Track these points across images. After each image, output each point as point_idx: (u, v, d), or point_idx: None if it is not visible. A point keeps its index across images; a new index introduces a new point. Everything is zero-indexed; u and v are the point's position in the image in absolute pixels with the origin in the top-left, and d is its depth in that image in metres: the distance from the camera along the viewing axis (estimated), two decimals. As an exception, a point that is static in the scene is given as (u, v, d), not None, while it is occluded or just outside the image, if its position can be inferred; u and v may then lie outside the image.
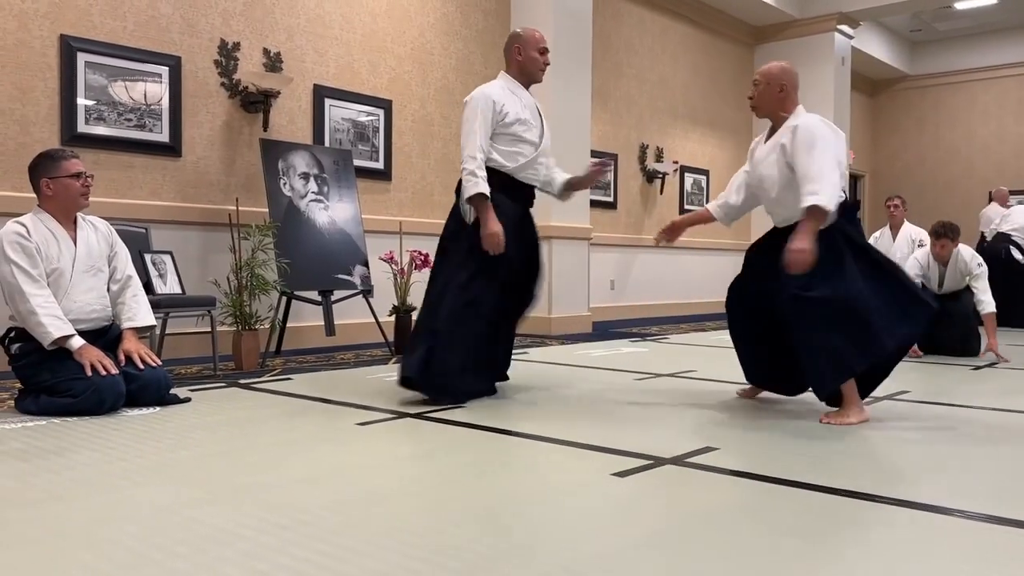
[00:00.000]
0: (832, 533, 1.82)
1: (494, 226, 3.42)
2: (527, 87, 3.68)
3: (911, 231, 6.71)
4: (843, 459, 2.54)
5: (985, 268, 5.45)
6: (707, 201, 9.42)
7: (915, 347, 5.38)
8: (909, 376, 4.51)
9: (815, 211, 3.03)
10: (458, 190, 3.58)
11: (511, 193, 3.60)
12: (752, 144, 3.62)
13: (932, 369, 4.83)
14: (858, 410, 3.13)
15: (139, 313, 3.43)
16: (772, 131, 3.44)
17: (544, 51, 3.64)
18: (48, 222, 3.26)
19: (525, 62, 3.62)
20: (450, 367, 3.38)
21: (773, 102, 3.35)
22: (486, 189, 3.42)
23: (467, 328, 3.42)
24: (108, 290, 3.42)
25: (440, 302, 3.45)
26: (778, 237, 3.31)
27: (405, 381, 3.46)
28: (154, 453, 2.52)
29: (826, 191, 3.03)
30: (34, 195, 3.39)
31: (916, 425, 3.11)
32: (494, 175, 3.51)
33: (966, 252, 5.47)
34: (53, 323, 3.12)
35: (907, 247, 6.66)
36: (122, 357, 3.29)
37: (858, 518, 1.93)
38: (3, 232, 3.18)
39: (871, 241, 6.95)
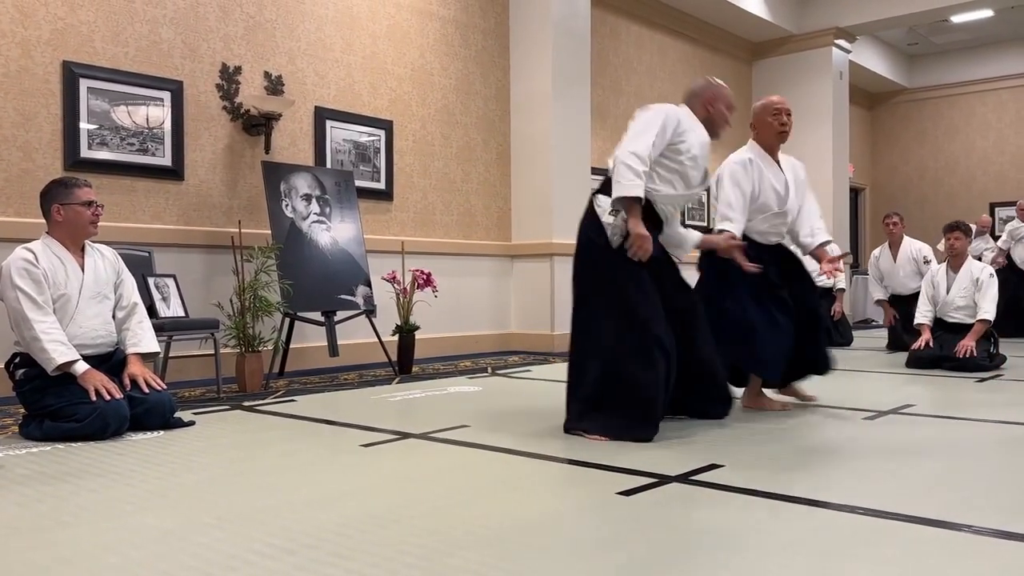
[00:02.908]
0: (840, 550, 1.81)
1: (642, 229, 3.09)
2: None
3: (911, 248, 6.71)
4: (848, 475, 2.53)
5: (995, 279, 5.52)
6: (709, 216, 9.44)
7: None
8: (914, 389, 4.50)
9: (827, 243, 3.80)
10: (589, 214, 3.28)
11: (649, 219, 3.25)
12: (746, 162, 3.77)
13: (937, 382, 4.81)
14: None
15: (144, 339, 3.45)
16: (773, 158, 3.82)
17: (733, 109, 3.48)
18: (56, 248, 3.29)
19: (715, 115, 3.42)
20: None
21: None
22: (642, 193, 3.08)
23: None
24: (114, 316, 3.44)
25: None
26: (775, 253, 3.80)
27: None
28: (159, 478, 2.52)
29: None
30: (38, 221, 3.42)
31: (922, 439, 3.10)
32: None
33: (977, 262, 5.67)
34: (57, 349, 3.12)
35: (909, 265, 6.66)
36: (127, 381, 3.31)
37: (865, 534, 1.92)
38: (11, 258, 3.20)
39: (871, 260, 6.98)
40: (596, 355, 3.19)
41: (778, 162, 3.81)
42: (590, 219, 3.28)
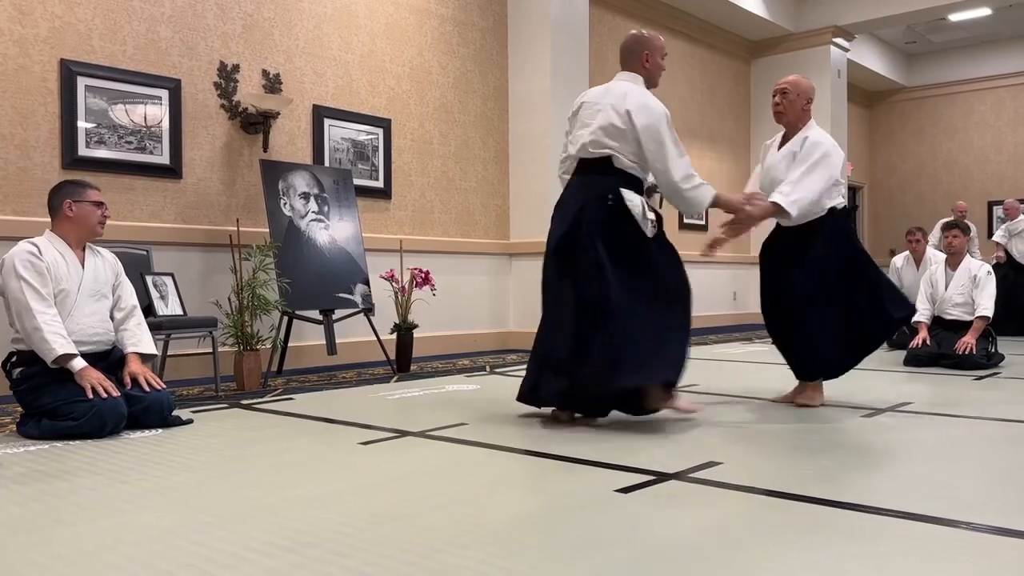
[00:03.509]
0: (838, 547, 1.81)
1: (741, 200, 3.55)
2: None
3: (933, 262, 6.69)
4: (847, 472, 2.53)
5: (993, 276, 5.56)
6: (707, 213, 9.44)
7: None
8: (912, 387, 4.51)
9: (775, 207, 3.55)
10: (616, 210, 3.34)
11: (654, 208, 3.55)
12: (766, 144, 4.00)
13: (934, 379, 4.82)
14: (819, 393, 3.81)
15: (143, 340, 3.50)
16: (785, 138, 3.83)
17: (666, 53, 3.58)
18: (59, 245, 3.34)
19: (652, 69, 3.50)
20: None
21: (798, 112, 3.76)
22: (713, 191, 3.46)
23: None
24: (112, 318, 3.47)
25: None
26: (786, 236, 3.81)
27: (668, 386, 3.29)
28: (157, 476, 2.52)
29: (795, 197, 3.54)
30: (36, 220, 3.42)
31: (920, 436, 3.11)
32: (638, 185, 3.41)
33: (975, 260, 5.72)
34: (57, 340, 3.15)
35: None
36: (127, 380, 3.33)
37: (864, 531, 1.92)
38: (15, 250, 3.25)
39: (891, 267, 6.96)
40: (643, 325, 3.25)
41: (787, 142, 3.82)
42: (619, 214, 3.31)
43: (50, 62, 4.55)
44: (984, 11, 10.71)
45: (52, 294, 3.23)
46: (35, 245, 3.26)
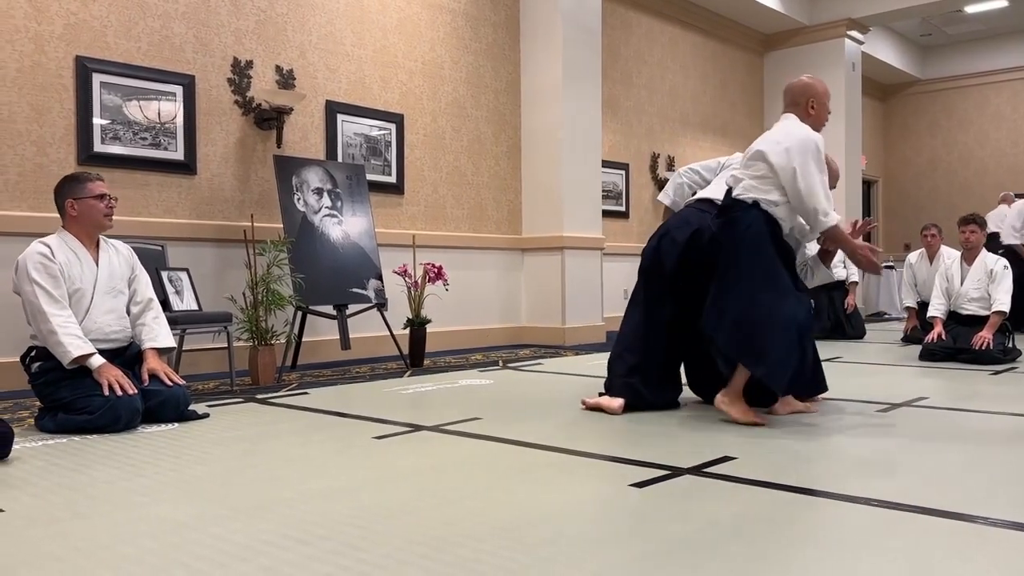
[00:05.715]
0: (852, 542, 1.80)
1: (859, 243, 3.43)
2: None
3: (946, 259, 6.65)
4: (861, 467, 2.52)
5: (1009, 271, 5.49)
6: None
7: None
8: (928, 382, 4.48)
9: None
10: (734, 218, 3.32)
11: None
12: None
13: (950, 375, 4.79)
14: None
15: (160, 335, 3.48)
16: None
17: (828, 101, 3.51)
18: (72, 243, 3.32)
19: (818, 116, 3.43)
20: None
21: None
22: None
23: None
24: (128, 312, 3.46)
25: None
26: None
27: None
28: (173, 469, 2.54)
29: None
30: (52, 216, 3.44)
31: (936, 431, 3.09)
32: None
33: (991, 254, 5.65)
34: (73, 343, 3.15)
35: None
36: (146, 376, 3.33)
37: (878, 526, 1.91)
38: (27, 253, 3.23)
39: (906, 264, 6.89)
40: None
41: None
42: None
43: (65, 59, 4.58)
44: (1000, 3, 10.61)
45: (66, 295, 3.22)
46: (47, 246, 3.24)
